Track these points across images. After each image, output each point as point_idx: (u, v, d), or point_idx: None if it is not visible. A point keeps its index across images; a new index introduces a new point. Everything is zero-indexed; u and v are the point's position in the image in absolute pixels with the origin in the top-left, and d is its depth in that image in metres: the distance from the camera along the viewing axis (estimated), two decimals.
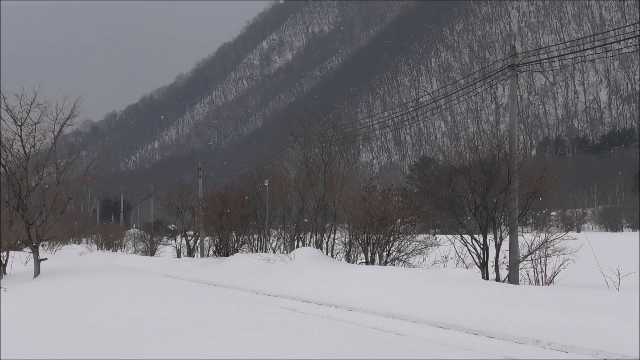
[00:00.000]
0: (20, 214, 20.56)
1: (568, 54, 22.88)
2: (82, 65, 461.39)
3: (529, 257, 17.26)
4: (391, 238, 19.94)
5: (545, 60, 21.46)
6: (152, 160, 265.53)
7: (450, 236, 18.31)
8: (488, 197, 17.44)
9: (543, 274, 16.67)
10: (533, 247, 17.07)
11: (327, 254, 22.46)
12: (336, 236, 22.96)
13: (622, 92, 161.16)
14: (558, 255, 16.65)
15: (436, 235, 21.39)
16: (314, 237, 23.66)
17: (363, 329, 10.46)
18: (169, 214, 43.91)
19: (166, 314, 10.35)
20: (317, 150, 25.44)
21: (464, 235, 17.88)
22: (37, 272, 20.00)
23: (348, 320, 11.77)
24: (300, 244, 24.36)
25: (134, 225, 70.81)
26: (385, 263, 19.78)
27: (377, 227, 19.54)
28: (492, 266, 17.61)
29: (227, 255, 27.31)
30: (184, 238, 40.57)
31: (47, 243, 36.56)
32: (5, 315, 11.08)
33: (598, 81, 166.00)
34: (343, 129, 29.66)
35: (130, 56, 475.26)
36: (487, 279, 17.15)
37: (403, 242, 20.07)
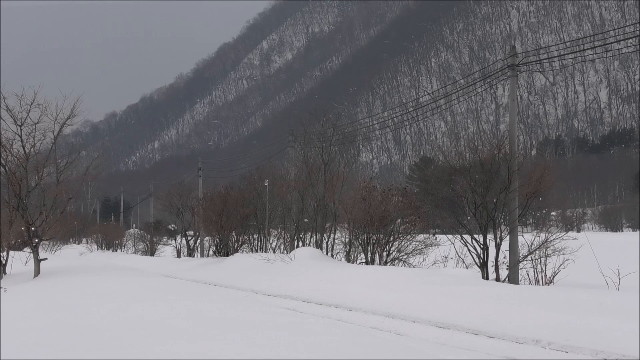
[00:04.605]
0: (20, 214, 20.54)
1: (568, 54, 22.92)
2: (82, 65, 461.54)
3: (529, 257, 17.27)
4: (391, 238, 19.95)
5: (545, 60, 21.48)
6: (152, 160, 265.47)
7: (450, 236, 18.32)
8: (488, 197, 17.45)
9: (543, 274, 16.68)
10: (533, 247, 17.08)
11: (327, 254, 22.46)
12: (336, 236, 22.96)
13: (622, 92, 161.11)
14: (558, 255, 16.65)
15: (436, 235, 21.39)
16: (314, 237, 23.66)
17: (363, 328, 10.45)
18: (169, 214, 43.91)
19: (166, 314, 10.34)
20: (317, 150, 25.46)
21: (464, 235, 17.89)
22: (37, 272, 19.99)
23: (348, 320, 11.76)
24: (300, 244, 24.36)
25: (134, 225, 70.80)
26: (385, 263, 19.79)
27: (377, 227, 19.56)
28: (492, 266, 17.62)
29: (227, 255, 27.31)
30: (184, 238, 40.57)
31: (47, 243, 36.53)
32: (5, 315, 11.07)
33: (598, 81, 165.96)
34: (343, 129, 29.68)
35: (130, 56, 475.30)
36: (487, 279, 17.15)
37: (403, 242, 20.08)
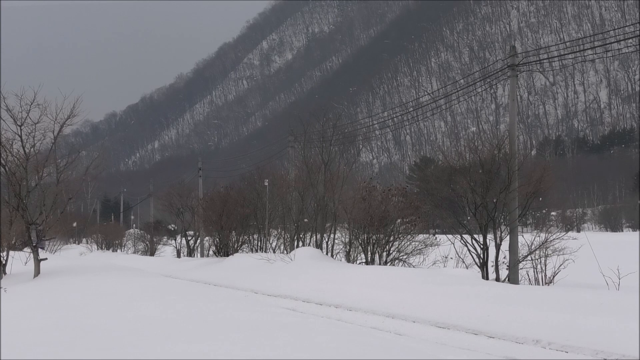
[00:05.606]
0: (20, 214, 20.52)
1: (568, 54, 22.90)
2: (82, 65, 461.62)
3: (529, 257, 17.27)
4: (391, 238, 19.96)
5: (545, 60, 21.47)
6: (152, 160, 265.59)
7: (450, 236, 18.32)
8: (488, 197, 17.45)
9: (543, 274, 16.68)
10: (533, 247, 17.08)
11: (327, 254, 22.46)
12: (336, 236, 22.96)
13: (622, 92, 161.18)
14: (558, 255, 16.66)
15: (436, 235, 21.41)
16: (314, 237, 23.66)
17: (363, 328, 10.45)
18: (169, 214, 43.91)
19: (166, 314, 10.34)
20: (317, 150, 25.46)
21: (464, 235, 17.89)
22: (37, 272, 19.98)
23: (348, 320, 11.77)
24: (300, 244, 24.36)
25: (134, 225, 70.80)
26: (385, 263, 19.79)
27: (377, 227, 19.56)
28: (492, 266, 17.62)
29: (227, 255, 27.31)
30: (184, 238, 40.57)
31: (47, 243, 36.52)
32: (5, 315, 11.07)
33: (598, 81, 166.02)
34: (343, 129, 29.68)
35: (130, 56, 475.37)
36: (487, 279, 17.15)
37: (403, 242, 20.09)
